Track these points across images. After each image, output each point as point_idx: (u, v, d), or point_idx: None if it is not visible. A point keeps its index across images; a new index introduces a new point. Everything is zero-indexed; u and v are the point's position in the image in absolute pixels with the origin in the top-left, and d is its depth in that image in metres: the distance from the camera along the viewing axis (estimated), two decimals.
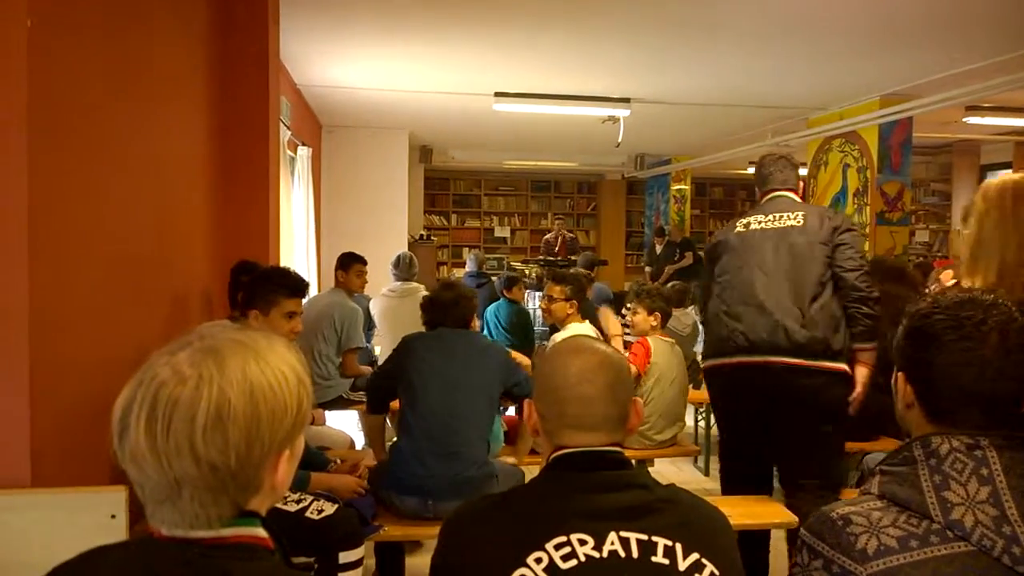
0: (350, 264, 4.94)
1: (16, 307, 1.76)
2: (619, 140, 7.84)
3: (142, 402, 0.88)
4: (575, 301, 4.05)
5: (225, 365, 0.90)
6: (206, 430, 0.87)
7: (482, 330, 5.70)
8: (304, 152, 6.58)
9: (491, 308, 5.98)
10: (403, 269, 5.54)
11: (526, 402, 1.42)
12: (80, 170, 2.13)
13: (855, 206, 7.05)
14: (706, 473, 5.21)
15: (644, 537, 1.22)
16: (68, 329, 2.04)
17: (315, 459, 2.99)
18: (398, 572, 3.20)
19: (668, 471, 5.10)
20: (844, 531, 1.14)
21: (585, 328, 4.00)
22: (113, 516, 1.79)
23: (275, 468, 0.94)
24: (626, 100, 6.88)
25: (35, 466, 1.81)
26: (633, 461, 1.42)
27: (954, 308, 1.19)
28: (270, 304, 2.66)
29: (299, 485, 2.60)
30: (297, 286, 2.76)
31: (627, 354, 3.99)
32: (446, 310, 3.12)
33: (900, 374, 1.26)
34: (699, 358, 6.42)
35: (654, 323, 4.12)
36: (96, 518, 1.78)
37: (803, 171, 7.99)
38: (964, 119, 6.90)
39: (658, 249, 11.20)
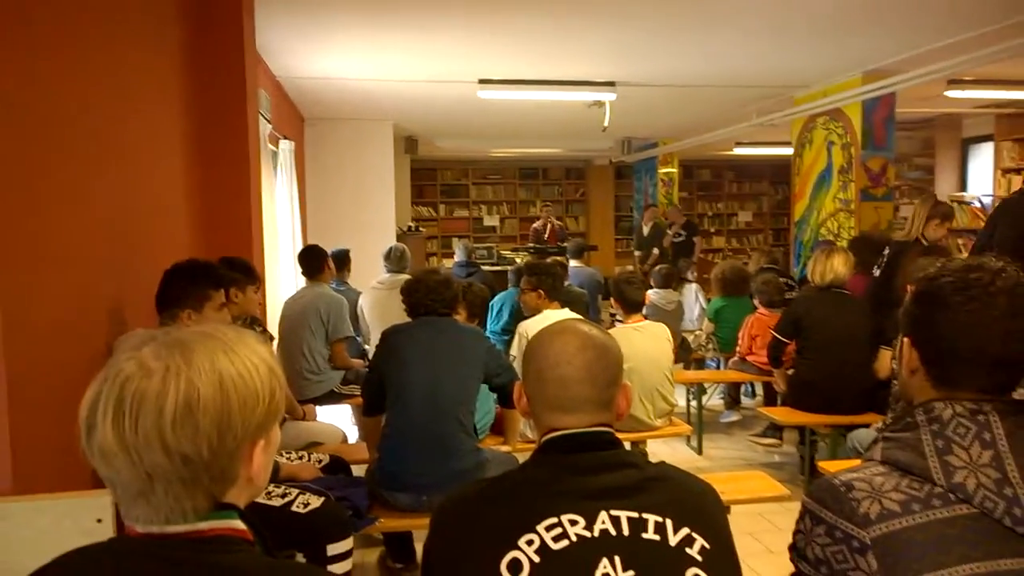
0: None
1: None
2: (605, 124, 7.81)
3: (108, 397, 0.87)
4: (542, 290, 4.12)
5: (192, 357, 0.89)
6: (175, 421, 0.86)
7: (492, 318, 5.59)
8: (286, 146, 6.52)
9: (504, 299, 5.71)
10: (394, 261, 5.52)
11: (516, 384, 1.42)
12: (49, 172, 2.10)
13: (840, 183, 7.05)
14: (699, 452, 5.22)
15: (635, 515, 1.22)
16: (45, 332, 2.02)
17: None
18: (408, 553, 3.22)
19: (662, 451, 5.10)
20: (846, 496, 1.15)
21: (563, 314, 3.98)
22: (99, 520, 1.77)
23: (250, 458, 0.93)
24: (611, 84, 6.85)
25: (17, 473, 1.78)
26: (627, 445, 1.42)
27: (962, 271, 1.19)
28: (202, 300, 2.56)
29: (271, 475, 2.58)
30: (220, 278, 2.66)
31: None
32: (431, 293, 3.06)
33: (906, 339, 1.26)
34: (689, 336, 6.45)
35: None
36: (82, 523, 1.75)
37: (789, 150, 8.01)
38: (946, 93, 6.90)
39: (645, 231, 11.17)
